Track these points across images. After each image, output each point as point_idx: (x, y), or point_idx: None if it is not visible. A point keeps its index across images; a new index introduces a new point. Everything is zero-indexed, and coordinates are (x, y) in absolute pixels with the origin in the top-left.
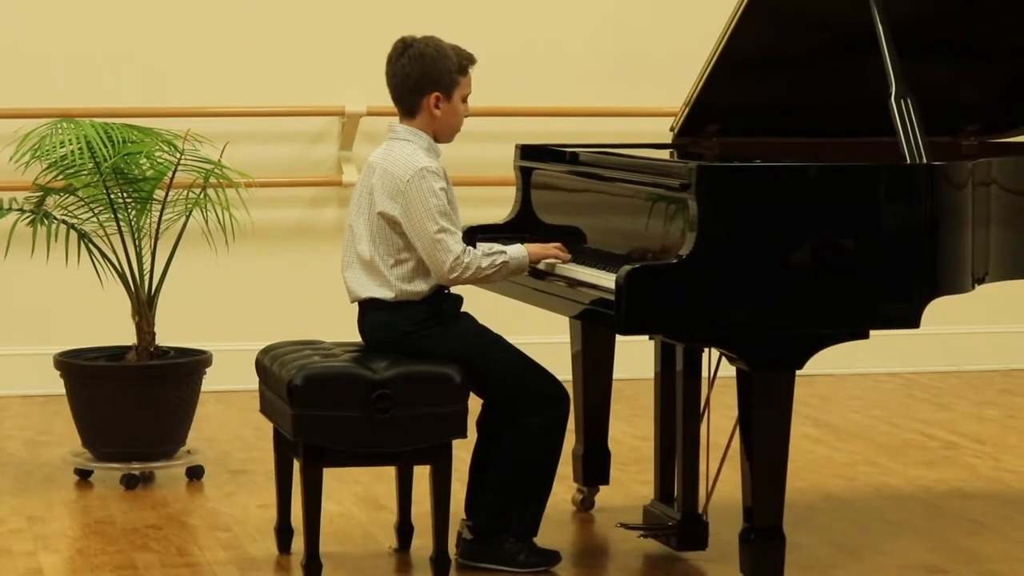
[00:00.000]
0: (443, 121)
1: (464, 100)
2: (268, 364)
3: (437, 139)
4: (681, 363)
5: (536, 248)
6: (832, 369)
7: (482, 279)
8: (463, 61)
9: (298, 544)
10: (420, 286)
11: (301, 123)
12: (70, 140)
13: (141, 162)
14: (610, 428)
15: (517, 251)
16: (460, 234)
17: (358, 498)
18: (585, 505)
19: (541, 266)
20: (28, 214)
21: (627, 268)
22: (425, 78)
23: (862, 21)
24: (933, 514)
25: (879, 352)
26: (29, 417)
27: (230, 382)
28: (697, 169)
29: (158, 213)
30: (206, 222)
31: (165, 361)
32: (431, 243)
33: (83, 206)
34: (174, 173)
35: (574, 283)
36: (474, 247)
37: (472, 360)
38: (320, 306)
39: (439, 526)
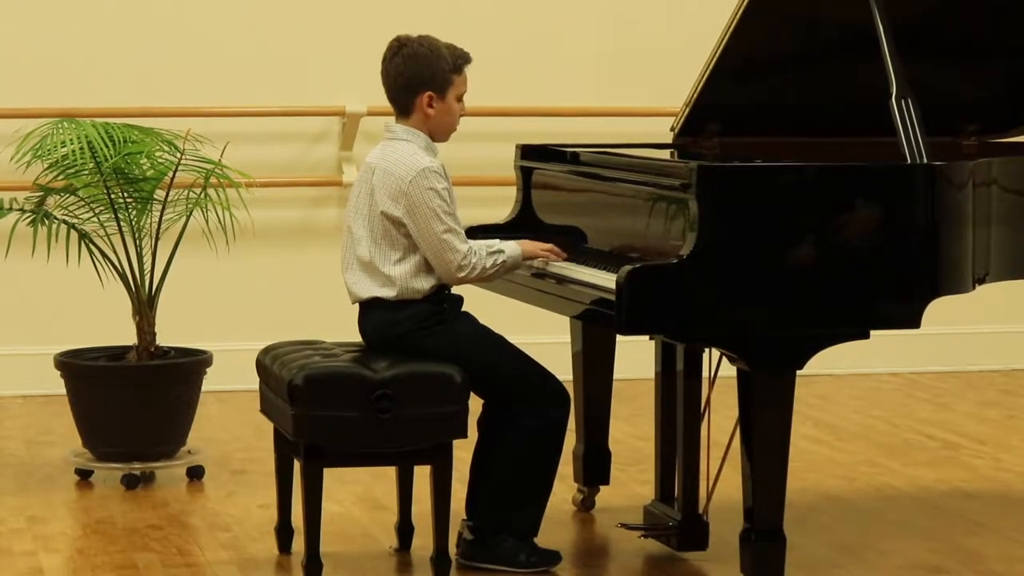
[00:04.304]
0: (437, 120)
1: (459, 99)
2: (269, 364)
3: (433, 138)
4: (682, 363)
5: (530, 246)
6: (832, 369)
7: (485, 278)
8: (458, 60)
9: (298, 544)
10: (423, 283)
11: (301, 123)
12: (71, 140)
13: (142, 162)
14: (610, 428)
15: (513, 249)
16: (463, 233)
17: (358, 498)
18: (585, 505)
19: (538, 264)
20: (29, 214)
21: (627, 268)
22: (418, 77)
23: (862, 21)
24: (933, 514)
25: (879, 352)
26: (29, 417)
27: (230, 382)
28: (697, 169)
29: (159, 213)
30: (206, 222)
31: (165, 361)
32: (438, 243)
33: (84, 206)
34: (175, 173)
35: (574, 283)
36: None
37: (472, 360)
38: (320, 306)
39: (439, 526)
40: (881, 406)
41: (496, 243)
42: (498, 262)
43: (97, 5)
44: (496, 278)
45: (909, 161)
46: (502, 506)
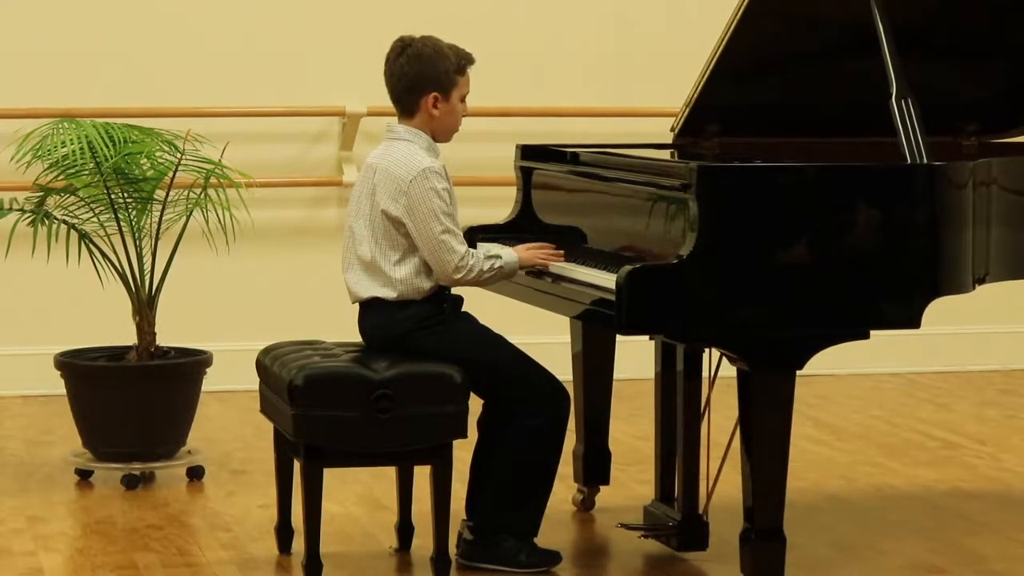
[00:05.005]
0: (441, 121)
1: (462, 100)
2: (269, 364)
3: (435, 139)
4: (681, 363)
5: (527, 256)
6: (832, 369)
7: (481, 282)
8: (461, 61)
9: (298, 544)
10: (424, 283)
11: (301, 123)
12: (71, 140)
13: (142, 162)
14: (610, 428)
15: (509, 257)
16: (462, 234)
17: (358, 498)
18: (585, 505)
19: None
20: (29, 214)
21: (627, 268)
22: (423, 78)
23: (862, 21)
24: (933, 514)
25: (879, 352)
26: (29, 417)
27: (230, 382)
28: (697, 169)
29: (159, 213)
30: (207, 222)
31: (165, 361)
32: (435, 244)
33: (84, 206)
34: (175, 173)
35: (574, 283)
36: (474, 248)
37: (473, 360)
38: (320, 306)
39: (439, 526)
40: (881, 406)
41: (495, 248)
42: (495, 267)
43: (97, 5)
44: (492, 283)
45: (909, 161)
46: (502, 506)
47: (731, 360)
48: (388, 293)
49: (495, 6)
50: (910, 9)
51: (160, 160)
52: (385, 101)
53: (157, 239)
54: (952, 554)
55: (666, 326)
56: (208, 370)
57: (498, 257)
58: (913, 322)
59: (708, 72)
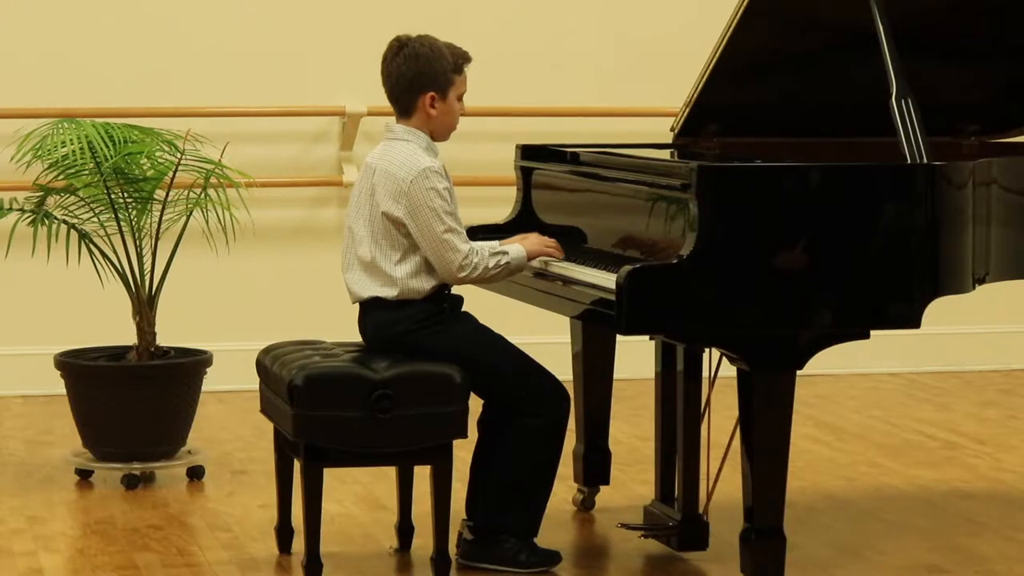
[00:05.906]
0: (439, 120)
1: (460, 99)
2: (269, 364)
3: (434, 138)
4: (682, 363)
5: (533, 247)
6: (832, 369)
7: (487, 279)
8: (458, 60)
9: (298, 544)
10: (424, 283)
11: (301, 123)
12: (71, 140)
13: (142, 162)
14: (610, 428)
15: (516, 251)
16: (465, 233)
17: (358, 498)
18: (585, 505)
19: (538, 264)
20: (29, 214)
21: (628, 268)
22: (420, 78)
23: (862, 21)
24: (933, 514)
25: (879, 352)
26: (30, 417)
27: (230, 382)
28: (697, 169)
29: (159, 213)
30: (207, 222)
31: (165, 361)
32: (438, 243)
33: (84, 206)
34: (175, 173)
35: (574, 283)
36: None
37: (473, 360)
38: (320, 306)
39: (439, 526)
40: (881, 406)
41: (500, 244)
42: (501, 263)
43: (97, 5)
44: (499, 279)
45: (909, 161)
46: (502, 506)
47: (731, 360)
48: (388, 293)
49: (495, 6)
50: (910, 9)
51: (160, 160)
52: (385, 101)
53: (157, 239)
54: (952, 554)
55: (666, 326)
56: (208, 370)
57: (504, 253)
58: (913, 322)
59: (708, 72)
